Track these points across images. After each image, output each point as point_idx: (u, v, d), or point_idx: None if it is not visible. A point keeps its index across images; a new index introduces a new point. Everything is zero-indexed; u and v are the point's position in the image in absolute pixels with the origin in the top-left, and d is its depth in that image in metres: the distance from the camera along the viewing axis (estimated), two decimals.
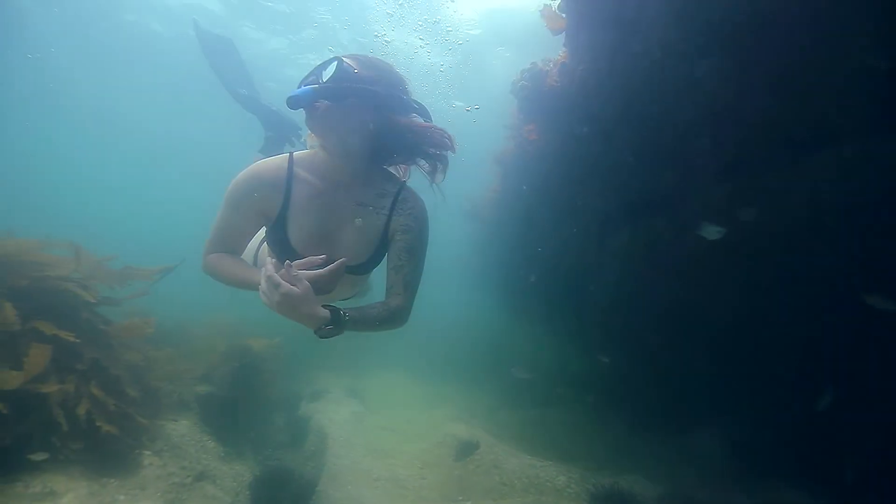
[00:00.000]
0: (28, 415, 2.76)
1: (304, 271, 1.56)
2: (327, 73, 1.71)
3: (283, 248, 1.86)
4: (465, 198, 9.44)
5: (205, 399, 4.93)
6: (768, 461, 3.88)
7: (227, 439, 4.58)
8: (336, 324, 1.54)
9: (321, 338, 1.56)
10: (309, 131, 1.85)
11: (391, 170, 1.98)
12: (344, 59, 1.73)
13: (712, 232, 2.87)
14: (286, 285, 1.48)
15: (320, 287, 1.59)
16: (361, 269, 1.92)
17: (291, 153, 1.90)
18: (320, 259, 1.65)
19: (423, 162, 1.87)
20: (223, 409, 4.89)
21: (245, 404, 5.24)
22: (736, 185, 2.91)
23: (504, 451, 4.76)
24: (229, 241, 1.89)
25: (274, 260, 1.75)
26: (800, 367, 3.33)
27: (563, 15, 2.99)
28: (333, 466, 4.69)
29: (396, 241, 1.84)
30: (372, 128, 1.76)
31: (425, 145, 1.82)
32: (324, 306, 1.55)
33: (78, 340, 3.00)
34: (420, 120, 1.86)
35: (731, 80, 2.45)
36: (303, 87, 1.71)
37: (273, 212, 1.84)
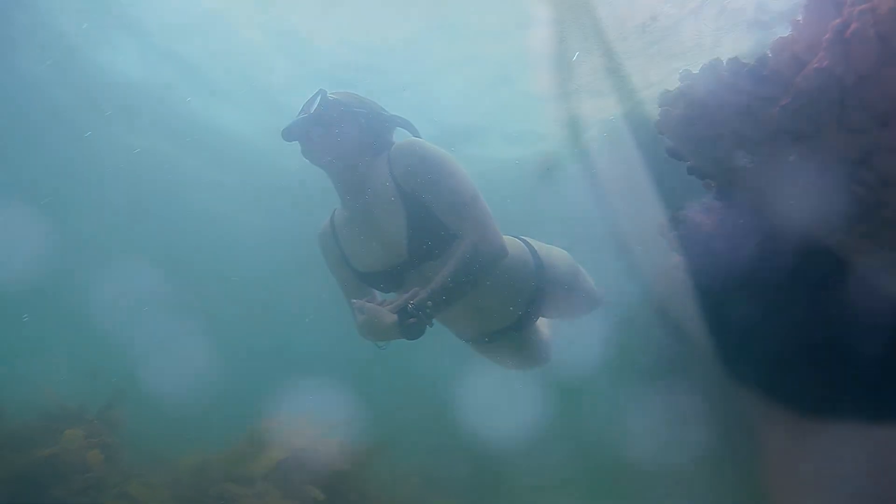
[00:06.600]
0: None
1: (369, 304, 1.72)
2: (313, 105, 1.88)
3: (361, 279, 2.00)
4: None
5: None
6: None
7: None
8: (403, 316, 1.61)
9: (410, 339, 1.63)
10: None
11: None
12: (327, 92, 1.92)
13: None
14: (359, 316, 1.70)
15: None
16: (423, 253, 1.83)
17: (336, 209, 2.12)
18: (367, 300, 1.80)
19: None
20: None
21: None
22: None
23: None
24: (352, 298, 2.06)
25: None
26: None
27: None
28: None
29: (421, 193, 1.79)
30: (364, 139, 1.89)
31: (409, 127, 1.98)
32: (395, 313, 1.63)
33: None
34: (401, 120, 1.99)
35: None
36: (294, 120, 1.86)
37: (339, 254, 2.04)
